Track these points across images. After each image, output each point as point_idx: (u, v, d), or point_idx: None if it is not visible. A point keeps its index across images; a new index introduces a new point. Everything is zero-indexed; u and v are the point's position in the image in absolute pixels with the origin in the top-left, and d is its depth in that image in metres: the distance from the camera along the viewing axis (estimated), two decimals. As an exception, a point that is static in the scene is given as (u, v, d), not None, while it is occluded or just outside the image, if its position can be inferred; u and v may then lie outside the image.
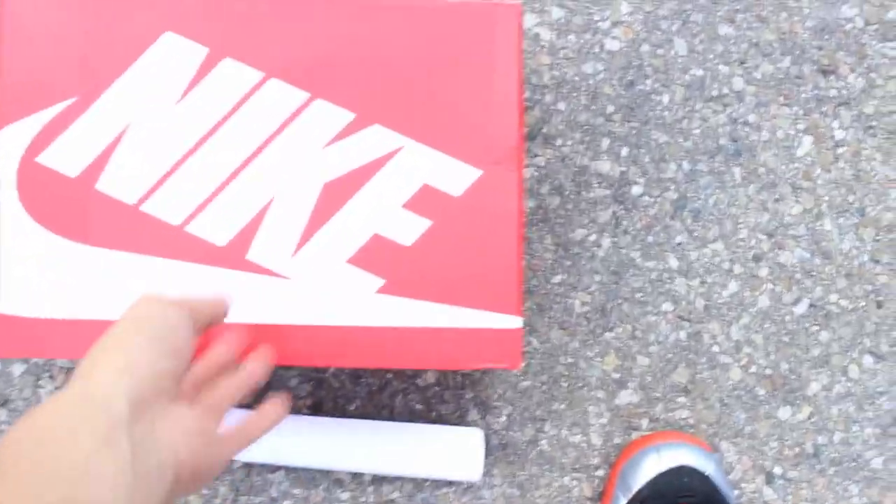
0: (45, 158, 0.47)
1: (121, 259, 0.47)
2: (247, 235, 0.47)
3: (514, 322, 0.48)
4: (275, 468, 0.61)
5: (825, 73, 0.65)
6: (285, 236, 0.48)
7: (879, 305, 0.64)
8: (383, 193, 0.48)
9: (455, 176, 0.48)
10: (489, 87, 0.48)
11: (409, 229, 0.48)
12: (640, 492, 0.58)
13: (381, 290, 0.48)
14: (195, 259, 0.47)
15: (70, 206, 0.47)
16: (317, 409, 0.61)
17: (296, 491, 0.61)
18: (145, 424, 0.34)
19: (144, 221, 0.47)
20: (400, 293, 0.48)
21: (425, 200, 0.48)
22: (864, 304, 0.64)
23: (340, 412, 0.62)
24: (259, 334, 0.48)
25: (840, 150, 0.64)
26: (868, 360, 0.64)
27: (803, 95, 0.64)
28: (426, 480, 0.61)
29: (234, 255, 0.47)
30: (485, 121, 0.48)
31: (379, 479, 0.61)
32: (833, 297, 0.64)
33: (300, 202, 0.48)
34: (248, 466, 0.60)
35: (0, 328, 0.47)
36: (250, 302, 0.48)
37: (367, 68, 0.48)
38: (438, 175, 0.48)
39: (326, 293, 0.48)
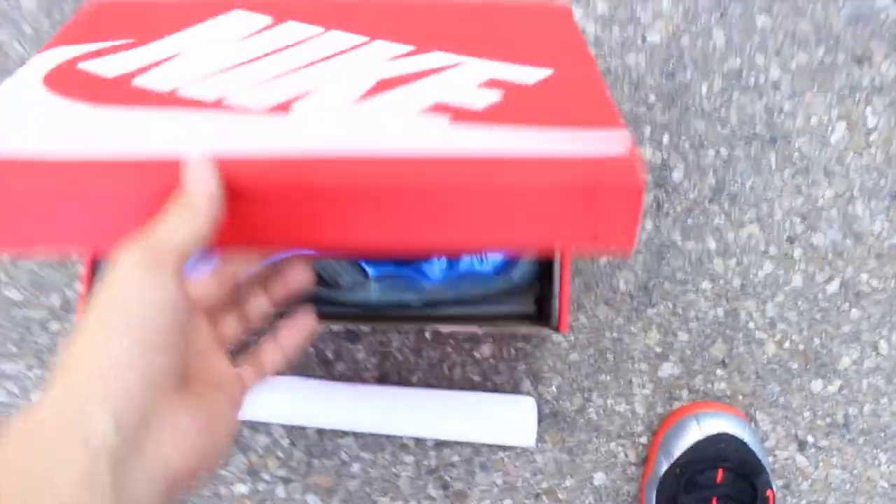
0: (85, 65, 0.42)
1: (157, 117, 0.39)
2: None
3: (621, 140, 0.35)
4: (344, 433, 0.65)
5: (859, 61, 0.68)
6: (339, 100, 0.40)
7: (909, 283, 0.67)
8: (450, 80, 0.41)
9: (524, 73, 0.41)
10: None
11: (479, 98, 0.39)
12: (681, 457, 0.62)
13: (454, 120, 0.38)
14: (237, 120, 0.38)
15: (101, 88, 0.40)
16: (383, 381, 0.66)
17: (364, 454, 0.66)
18: (132, 441, 0.29)
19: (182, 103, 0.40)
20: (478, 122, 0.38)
21: (495, 84, 0.41)
22: (893, 283, 0.67)
23: (404, 383, 0.66)
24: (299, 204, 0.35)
25: (872, 136, 0.67)
26: (897, 336, 0.67)
27: (837, 83, 0.67)
28: (483, 445, 0.65)
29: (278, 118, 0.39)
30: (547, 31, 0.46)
31: (440, 444, 0.66)
32: (864, 277, 0.67)
33: (353, 84, 0.41)
34: (321, 432, 0.65)
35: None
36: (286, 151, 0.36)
37: (423, 18, 0.46)
38: (507, 72, 0.42)
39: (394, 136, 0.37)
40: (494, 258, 0.56)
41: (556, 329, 0.52)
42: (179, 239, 0.31)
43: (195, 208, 0.32)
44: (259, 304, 0.41)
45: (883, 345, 0.67)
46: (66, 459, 0.28)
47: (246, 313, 0.41)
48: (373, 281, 0.55)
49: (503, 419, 0.63)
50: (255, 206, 0.34)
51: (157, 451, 0.30)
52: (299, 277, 0.41)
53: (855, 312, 0.67)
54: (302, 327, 0.41)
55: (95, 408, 0.28)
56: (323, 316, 0.57)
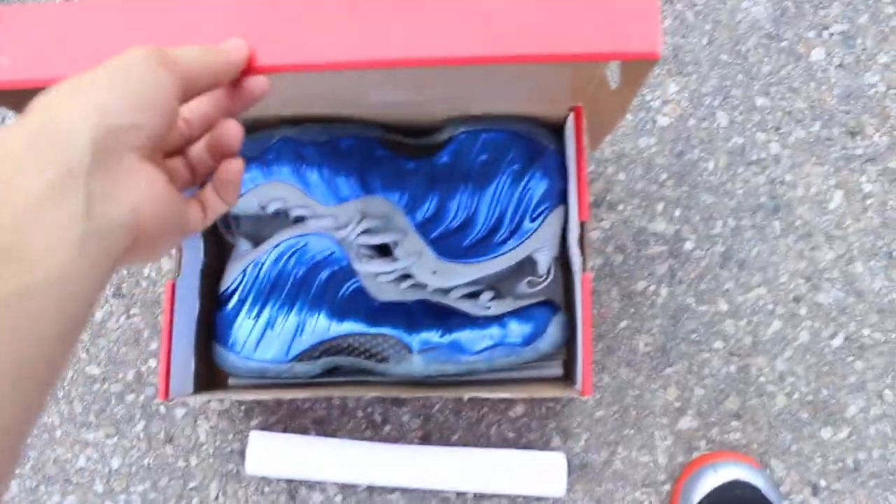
0: None
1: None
2: None
3: None
4: (392, 490, 0.71)
5: (852, 134, 0.74)
6: None
7: (909, 336, 0.72)
8: None
9: None
10: None
11: None
12: (700, 503, 0.67)
13: None
14: None
15: None
16: (426, 440, 0.72)
17: (411, 507, 0.72)
18: (107, 176, 0.29)
19: None
20: None
21: None
22: (895, 336, 0.72)
23: (446, 442, 0.72)
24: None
25: (868, 202, 0.73)
26: (900, 385, 0.72)
27: (833, 155, 0.73)
28: (519, 497, 0.71)
29: None
30: None
31: (479, 497, 0.71)
32: (866, 331, 0.72)
33: None
34: (370, 489, 0.72)
35: None
36: None
37: None
38: None
39: None
40: (524, 330, 0.62)
41: (581, 394, 0.58)
42: (191, 58, 0.35)
43: (218, 52, 0.37)
44: (199, 152, 0.42)
45: (888, 393, 0.71)
46: (44, 163, 0.28)
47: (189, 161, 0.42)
48: (416, 354, 0.62)
49: (536, 472, 0.67)
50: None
51: (130, 195, 0.31)
52: (232, 130, 0.41)
53: (859, 364, 0.72)
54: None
55: (76, 123, 0.29)
56: (372, 384, 0.64)
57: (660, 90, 0.74)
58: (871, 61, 0.74)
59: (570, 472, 0.71)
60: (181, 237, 0.37)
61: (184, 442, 0.72)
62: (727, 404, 0.71)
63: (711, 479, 0.67)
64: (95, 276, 0.29)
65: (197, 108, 0.41)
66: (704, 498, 0.67)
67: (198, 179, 0.43)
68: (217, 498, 0.72)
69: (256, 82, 0.40)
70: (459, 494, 0.71)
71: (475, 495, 0.71)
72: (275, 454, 0.68)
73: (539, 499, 0.71)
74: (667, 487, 0.71)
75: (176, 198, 0.35)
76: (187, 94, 0.35)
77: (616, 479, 0.71)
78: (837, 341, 0.72)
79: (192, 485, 0.72)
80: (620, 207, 0.73)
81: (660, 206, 0.73)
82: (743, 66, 0.74)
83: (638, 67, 0.43)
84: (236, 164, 0.40)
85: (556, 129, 0.65)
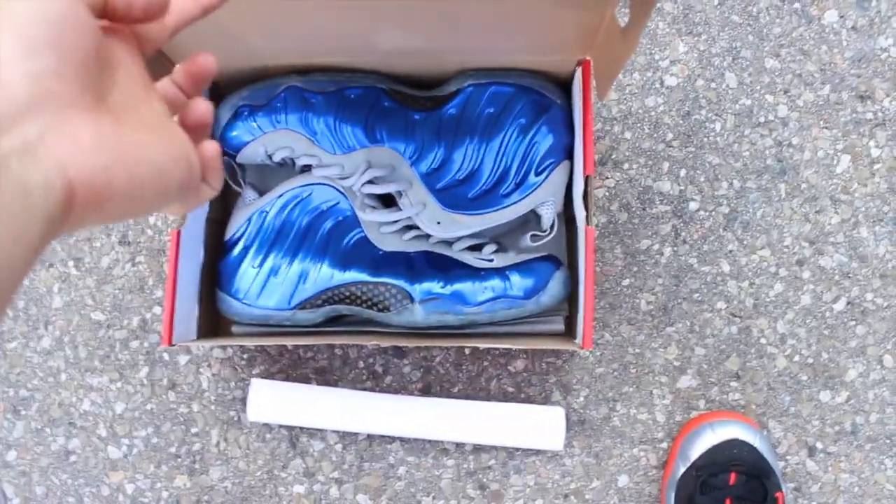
0: None
1: None
2: None
3: None
4: (392, 439, 0.72)
5: (862, 98, 0.73)
6: None
7: (911, 302, 0.72)
8: None
9: None
10: None
11: None
12: (697, 461, 0.67)
13: None
14: None
15: None
16: (426, 392, 0.72)
17: (409, 458, 0.73)
18: (17, 136, 0.27)
19: None
20: None
21: None
22: (896, 301, 0.72)
23: (446, 394, 0.72)
24: None
25: (876, 167, 0.73)
26: (901, 350, 0.72)
27: (842, 119, 0.73)
28: (517, 450, 0.72)
29: None
30: None
31: (478, 449, 0.72)
32: (869, 296, 0.72)
33: None
34: (370, 438, 0.72)
35: None
36: None
37: None
38: None
39: None
40: (526, 284, 0.63)
41: (581, 346, 0.58)
42: None
43: None
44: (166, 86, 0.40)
45: (888, 358, 0.72)
46: None
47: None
48: (417, 304, 0.62)
49: (535, 426, 0.69)
50: None
51: (53, 152, 0.28)
52: (201, 61, 0.39)
53: (861, 329, 0.72)
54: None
55: None
56: (374, 334, 0.64)
57: (668, 50, 0.74)
58: (885, 24, 0.73)
59: (568, 428, 0.72)
60: (182, 190, 0.34)
61: (186, 389, 0.73)
62: (727, 365, 0.72)
63: (709, 438, 0.68)
64: (12, 244, 0.26)
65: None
66: (701, 456, 0.67)
67: None
68: (218, 444, 0.73)
69: (205, 59, 0.39)
70: (458, 445, 0.72)
71: (473, 447, 0.72)
72: (276, 402, 0.69)
73: (537, 452, 0.72)
74: (664, 445, 0.72)
75: (122, 143, 0.30)
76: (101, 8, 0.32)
77: (614, 436, 0.72)
78: (839, 305, 0.72)
79: (193, 430, 0.73)
80: (626, 166, 0.73)
81: (665, 166, 0.73)
82: (754, 27, 0.73)
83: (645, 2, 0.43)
84: (213, 147, 0.38)
85: (564, 85, 0.65)
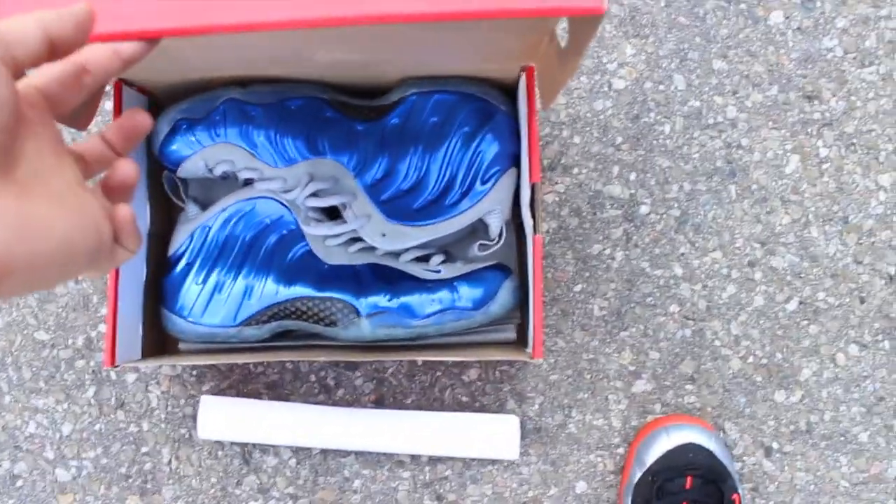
0: None
1: None
2: None
3: None
4: (346, 453, 0.71)
5: (809, 98, 0.73)
6: None
7: (862, 301, 0.72)
8: None
9: None
10: None
11: None
12: (652, 465, 0.67)
13: None
14: None
15: None
16: (379, 404, 0.72)
17: (364, 471, 0.72)
18: None
19: None
20: None
21: None
22: (848, 300, 0.72)
23: (399, 406, 0.71)
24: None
25: (825, 166, 0.73)
26: (853, 349, 0.72)
27: (790, 119, 0.73)
28: (473, 460, 0.71)
29: None
30: None
31: (433, 460, 0.71)
32: (821, 295, 0.72)
33: None
34: (325, 452, 0.71)
35: None
36: None
37: None
38: None
39: None
40: (474, 294, 0.62)
41: (532, 357, 0.57)
42: (14, 29, 0.30)
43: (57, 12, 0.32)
44: (96, 146, 0.39)
45: (840, 357, 0.72)
46: None
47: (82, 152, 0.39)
48: (364, 318, 0.62)
49: (490, 436, 0.68)
50: None
51: None
52: (138, 119, 0.39)
53: (813, 328, 0.72)
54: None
55: None
56: (323, 348, 0.63)
57: (616, 52, 0.73)
58: (830, 25, 0.73)
59: (524, 436, 0.71)
60: (92, 258, 0.33)
61: (135, 407, 0.72)
62: (682, 368, 0.72)
63: (664, 443, 0.67)
64: None
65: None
66: (657, 461, 0.67)
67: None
68: (170, 462, 0.71)
69: (142, 118, 0.38)
70: (414, 457, 0.71)
71: (429, 459, 0.71)
72: (227, 418, 0.68)
73: (494, 461, 0.71)
74: (621, 451, 0.71)
75: (23, 213, 0.29)
76: (20, 69, 0.31)
77: (570, 443, 0.71)
78: (792, 305, 0.72)
79: (144, 450, 0.72)
80: (575, 171, 0.73)
81: (615, 170, 0.73)
82: (701, 29, 0.73)
83: (586, 24, 0.43)
84: (127, 211, 0.36)
85: (509, 91, 0.64)
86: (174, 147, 0.61)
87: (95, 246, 0.33)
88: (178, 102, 0.62)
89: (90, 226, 0.33)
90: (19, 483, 0.72)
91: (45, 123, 0.34)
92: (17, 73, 0.31)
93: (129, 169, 0.37)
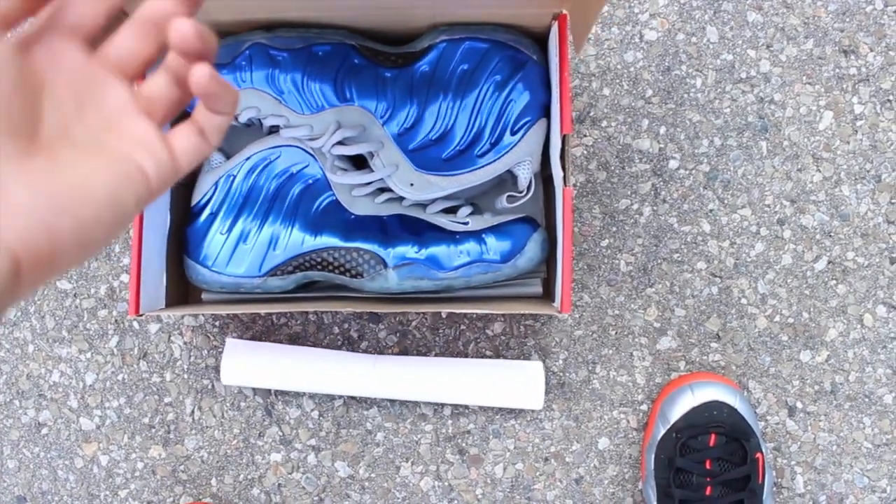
0: None
1: None
2: None
3: None
4: (369, 406, 0.71)
5: (846, 52, 0.72)
6: None
7: (892, 261, 0.71)
8: None
9: None
10: None
11: None
12: (677, 423, 0.67)
13: None
14: None
15: None
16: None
17: (387, 424, 0.72)
18: None
19: None
20: None
21: None
22: (878, 260, 0.71)
23: (423, 359, 0.71)
24: None
25: (859, 123, 0.71)
26: (881, 310, 0.71)
27: (825, 74, 0.71)
28: (496, 414, 0.71)
29: None
30: None
31: (456, 413, 0.71)
32: (850, 255, 0.71)
33: None
34: (347, 404, 0.71)
35: None
36: None
37: None
38: None
39: None
40: (502, 247, 0.61)
41: (560, 311, 0.57)
42: None
43: None
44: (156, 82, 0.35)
45: (868, 318, 0.71)
46: None
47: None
48: (391, 270, 0.61)
49: (513, 383, 0.67)
50: None
51: None
52: (183, 28, 0.32)
53: (841, 288, 0.71)
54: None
55: None
56: (348, 300, 0.63)
57: (648, 3, 0.71)
58: (869, -24, 0.71)
59: (548, 391, 0.71)
60: (143, 201, 0.30)
61: (158, 358, 0.72)
62: (708, 325, 0.71)
63: (688, 400, 0.67)
64: None
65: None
66: (681, 418, 0.67)
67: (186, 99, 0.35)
68: (192, 413, 0.71)
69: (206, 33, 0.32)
70: (436, 410, 0.71)
71: (452, 411, 0.71)
72: (250, 362, 0.67)
73: (516, 416, 0.71)
74: (644, 407, 0.71)
75: (61, 191, 0.27)
76: (10, 20, 0.28)
77: (594, 399, 0.71)
78: (820, 265, 0.71)
79: (167, 400, 0.72)
80: (604, 124, 0.71)
81: (645, 123, 0.71)
82: (736, -20, 0.71)
83: None
84: (203, 72, 0.32)
85: (540, 40, 0.63)
86: (199, 93, 0.60)
87: (145, 185, 0.30)
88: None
89: (133, 168, 0.30)
90: (44, 431, 0.72)
91: (56, 63, 0.30)
92: (6, 26, 0.28)
93: (185, 26, 0.31)
